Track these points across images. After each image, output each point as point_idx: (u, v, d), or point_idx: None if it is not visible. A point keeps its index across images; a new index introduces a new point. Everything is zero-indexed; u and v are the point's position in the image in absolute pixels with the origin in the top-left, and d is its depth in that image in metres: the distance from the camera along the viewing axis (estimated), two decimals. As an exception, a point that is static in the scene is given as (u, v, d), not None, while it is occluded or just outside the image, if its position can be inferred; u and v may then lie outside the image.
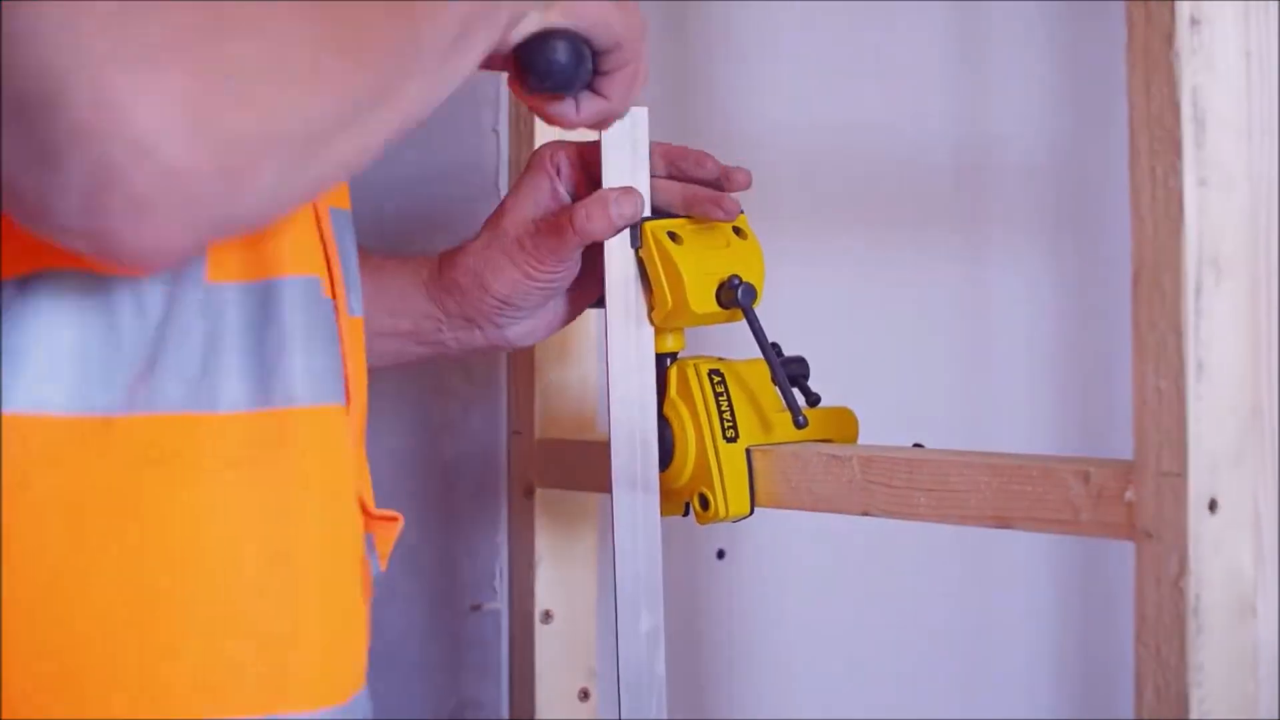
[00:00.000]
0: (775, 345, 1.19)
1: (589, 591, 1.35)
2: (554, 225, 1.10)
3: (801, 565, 1.54)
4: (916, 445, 1.14)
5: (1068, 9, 1.69)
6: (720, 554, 1.52)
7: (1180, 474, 0.87)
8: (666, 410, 1.14)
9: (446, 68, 0.77)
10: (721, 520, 1.14)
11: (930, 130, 1.64)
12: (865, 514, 1.06)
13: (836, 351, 1.56)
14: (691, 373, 1.14)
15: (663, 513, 1.17)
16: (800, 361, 1.21)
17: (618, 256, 1.12)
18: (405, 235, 1.44)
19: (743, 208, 1.16)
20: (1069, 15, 1.69)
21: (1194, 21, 0.87)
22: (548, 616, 1.34)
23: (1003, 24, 1.67)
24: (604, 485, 1.21)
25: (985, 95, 1.67)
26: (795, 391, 1.16)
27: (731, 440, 1.13)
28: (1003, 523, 0.98)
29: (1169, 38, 0.87)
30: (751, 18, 1.53)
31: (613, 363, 1.13)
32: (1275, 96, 0.90)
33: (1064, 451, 1.61)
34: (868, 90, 1.60)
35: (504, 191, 1.38)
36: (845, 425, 1.18)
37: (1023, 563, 1.68)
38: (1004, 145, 1.67)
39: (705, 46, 1.52)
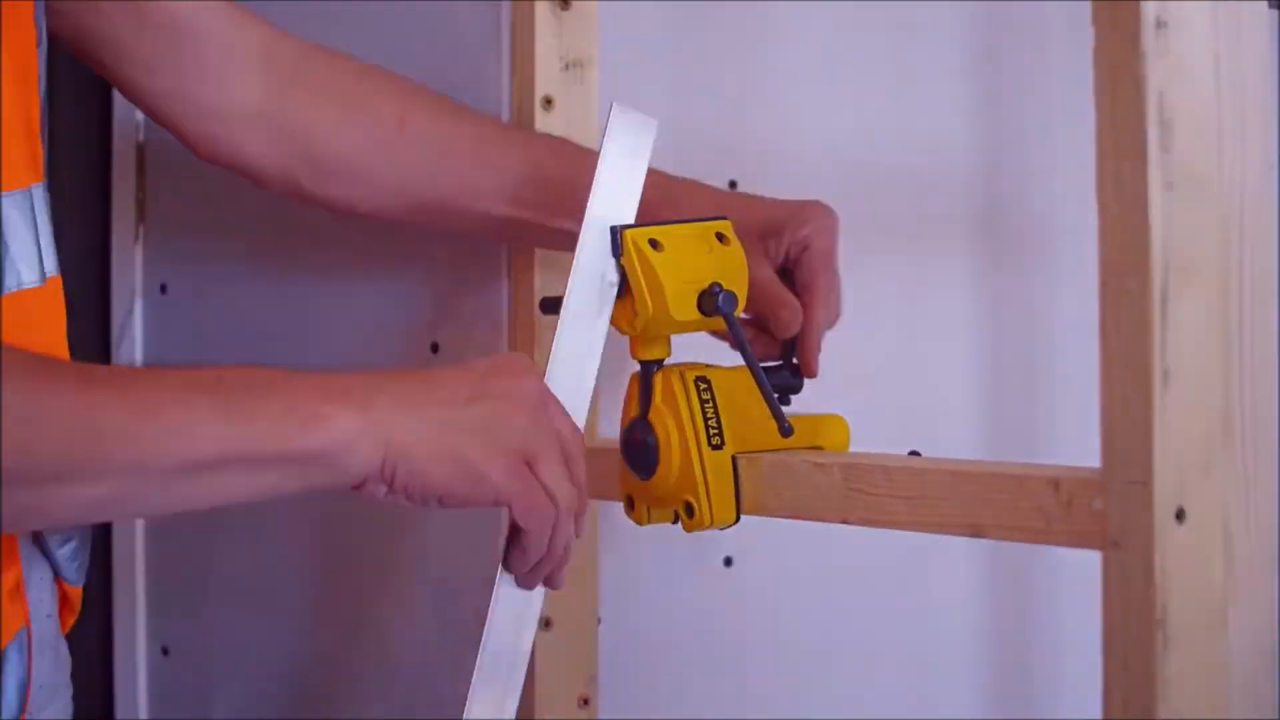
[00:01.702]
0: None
1: (589, 599, 1.35)
2: None
3: (809, 572, 1.53)
4: (912, 453, 1.13)
5: (1087, 12, 1.67)
6: (728, 561, 1.51)
7: (1146, 483, 0.86)
8: (651, 417, 1.14)
9: (173, 489, 0.89)
10: (707, 528, 1.13)
11: (943, 134, 1.63)
12: (845, 522, 1.05)
13: (848, 358, 1.55)
14: (677, 379, 1.13)
15: (653, 520, 1.17)
16: (794, 370, 1.20)
17: (588, 260, 1.10)
18: (409, 240, 1.44)
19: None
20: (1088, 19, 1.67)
21: (1159, 24, 0.86)
22: (547, 624, 1.34)
23: (1020, 27, 1.65)
24: (605, 493, 1.21)
25: (1002, 101, 1.65)
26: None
27: (717, 448, 1.13)
28: (976, 531, 0.97)
29: (1134, 40, 0.86)
30: (758, 20, 1.52)
31: (555, 355, 1.11)
32: (1248, 99, 0.89)
33: (1084, 463, 1.60)
34: (879, 94, 1.58)
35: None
36: (835, 432, 1.18)
37: (1033, 568, 1.66)
38: (1019, 150, 1.66)
39: (712, 48, 1.51)
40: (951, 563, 1.60)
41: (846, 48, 1.57)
